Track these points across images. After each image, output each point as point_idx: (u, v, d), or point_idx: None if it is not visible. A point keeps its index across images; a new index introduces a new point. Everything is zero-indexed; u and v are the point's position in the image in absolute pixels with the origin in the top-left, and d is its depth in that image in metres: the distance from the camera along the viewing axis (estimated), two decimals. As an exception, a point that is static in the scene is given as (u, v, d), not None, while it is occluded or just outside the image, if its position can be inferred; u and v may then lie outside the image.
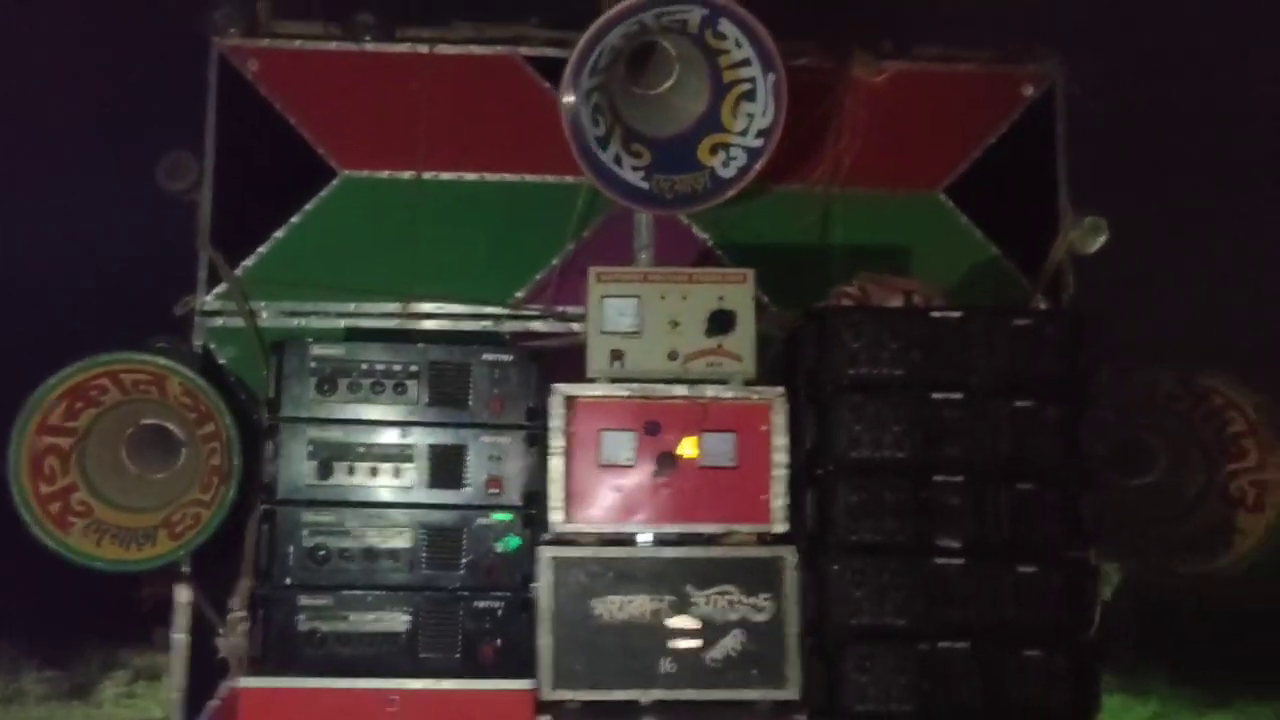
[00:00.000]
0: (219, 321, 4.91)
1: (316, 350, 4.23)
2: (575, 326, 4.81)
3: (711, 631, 4.14)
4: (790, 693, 4.11)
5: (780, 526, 4.20)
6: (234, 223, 4.94)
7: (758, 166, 4.74)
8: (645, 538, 4.28)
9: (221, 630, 4.59)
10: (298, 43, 5.04)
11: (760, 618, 4.15)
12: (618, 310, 4.29)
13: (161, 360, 4.47)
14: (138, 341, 4.61)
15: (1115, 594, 5.03)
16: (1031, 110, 5.23)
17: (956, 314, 4.24)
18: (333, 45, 5.05)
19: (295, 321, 4.88)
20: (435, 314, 4.96)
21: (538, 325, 4.98)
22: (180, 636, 4.75)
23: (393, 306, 4.94)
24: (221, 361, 4.85)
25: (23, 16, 6.82)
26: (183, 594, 4.73)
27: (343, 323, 4.90)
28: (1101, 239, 5.01)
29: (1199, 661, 12.43)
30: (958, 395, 4.17)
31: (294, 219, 4.99)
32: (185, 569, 4.69)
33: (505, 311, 4.98)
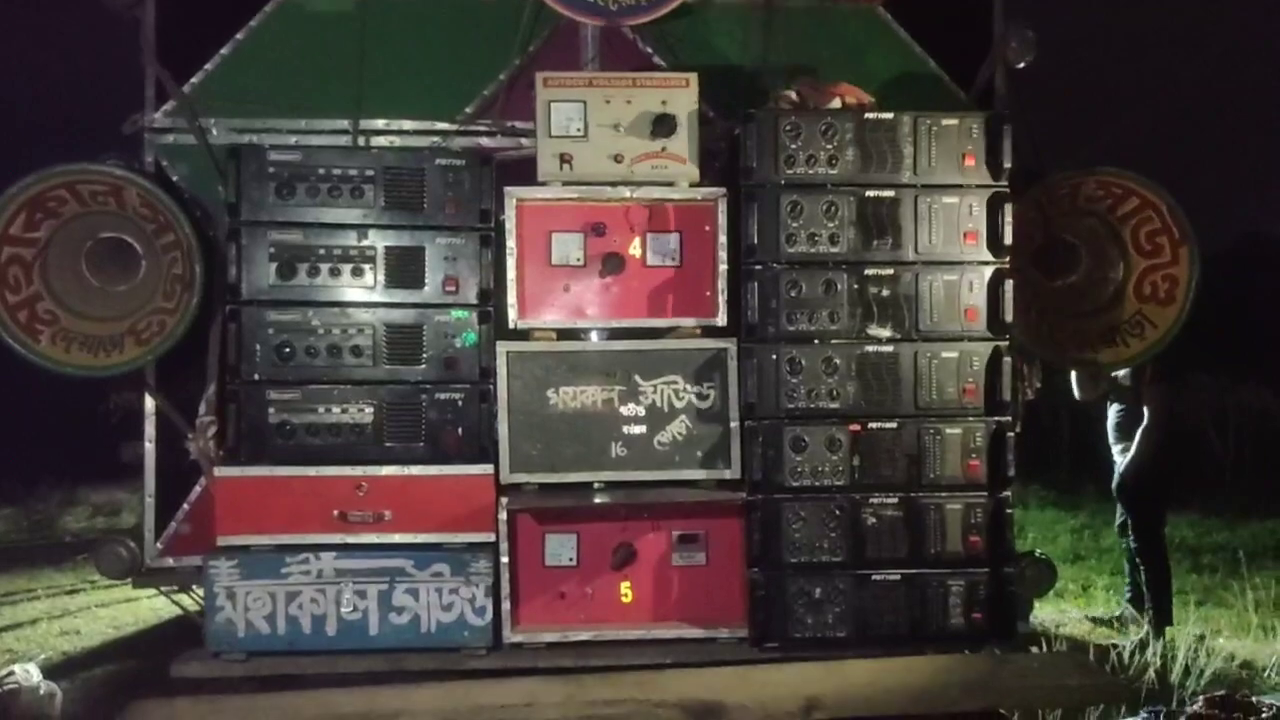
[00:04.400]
0: (169, 139, 4.95)
1: (274, 156, 4.32)
2: (524, 141, 4.90)
3: (659, 418, 4.41)
4: (732, 472, 4.41)
5: (723, 320, 4.44)
6: (179, 40, 4.92)
7: (700, -23, 4.84)
8: (596, 332, 4.52)
9: (191, 435, 4.76)
10: None
11: (704, 405, 4.42)
12: (564, 115, 4.43)
13: (119, 170, 4.53)
14: (89, 159, 4.65)
15: (1039, 392, 5.36)
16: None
17: (888, 115, 4.42)
18: None
19: (245, 138, 4.88)
20: (385, 130, 5.00)
21: (487, 140, 5.04)
22: (149, 445, 4.93)
23: (343, 123, 4.96)
24: (175, 177, 4.91)
25: None
26: (150, 403, 4.90)
27: (293, 139, 4.90)
28: (1032, 53, 5.15)
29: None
30: (889, 193, 4.38)
31: (239, 35, 4.98)
32: (150, 381, 4.85)
33: (455, 127, 5.03)
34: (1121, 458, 7.20)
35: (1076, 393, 7.04)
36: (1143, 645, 6.68)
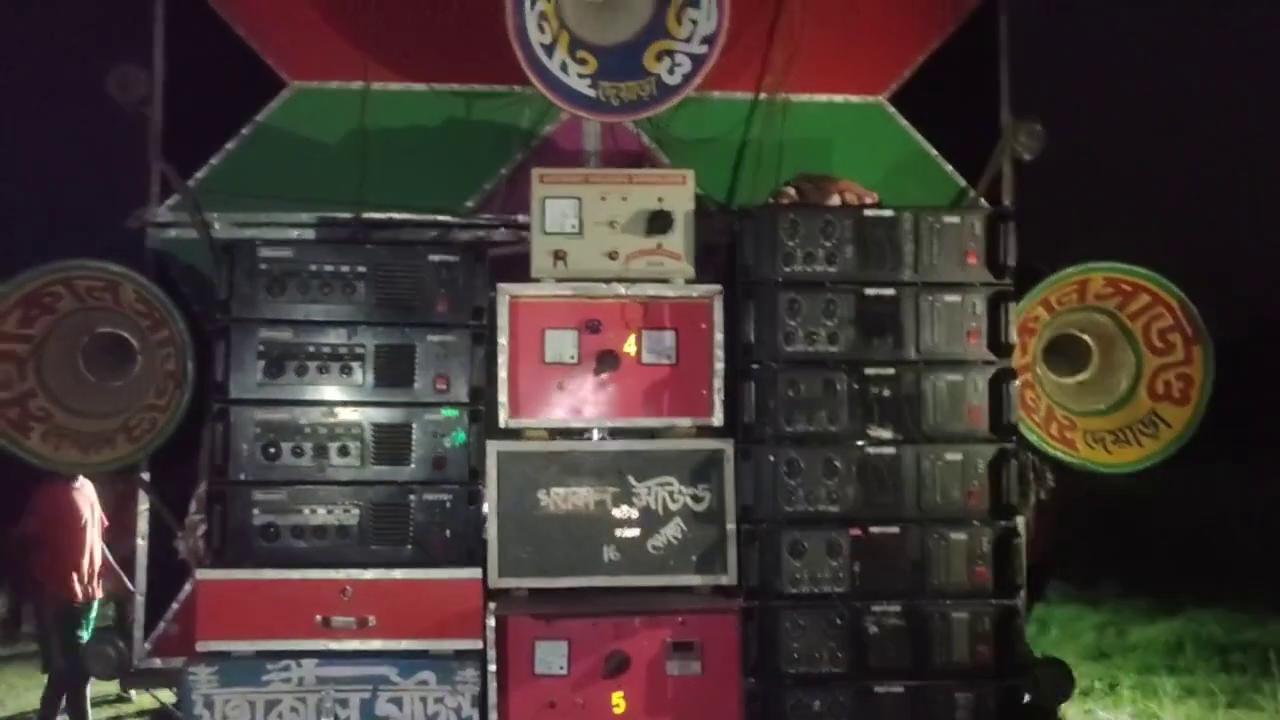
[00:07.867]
0: (172, 233, 4.95)
1: (266, 252, 4.29)
2: (525, 234, 4.87)
3: (653, 521, 4.29)
4: (728, 578, 4.27)
5: (719, 420, 4.34)
6: (185, 135, 4.95)
7: (703, 73, 4.82)
8: (589, 432, 4.43)
9: (180, 533, 4.69)
10: (242, -46, 5.02)
11: (699, 507, 4.30)
12: (559, 211, 4.39)
13: (115, 267, 4.52)
14: (91, 254, 4.65)
15: (1050, 494, 5.20)
16: (975, 16, 5.27)
17: (888, 212, 4.35)
18: (277, -44, 5.03)
19: (248, 232, 4.87)
20: (386, 223, 4.98)
21: (488, 234, 5.01)
22: (141, 542, 4.86)
23: (344, 216, 4.95)
24: (176, 272, 4.89)
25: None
26: (142, 499, 4.84)
27: (294, 233, 4.90)
28: (1039, 146, 5.10)
29: (1150, 571, 12.82)
30: (890, 291, 4.30)
31: (244, 130, 5.01)
32: (144, 475, 4.80)
33: (456, 220, 5.02)
34: None
35: None
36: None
